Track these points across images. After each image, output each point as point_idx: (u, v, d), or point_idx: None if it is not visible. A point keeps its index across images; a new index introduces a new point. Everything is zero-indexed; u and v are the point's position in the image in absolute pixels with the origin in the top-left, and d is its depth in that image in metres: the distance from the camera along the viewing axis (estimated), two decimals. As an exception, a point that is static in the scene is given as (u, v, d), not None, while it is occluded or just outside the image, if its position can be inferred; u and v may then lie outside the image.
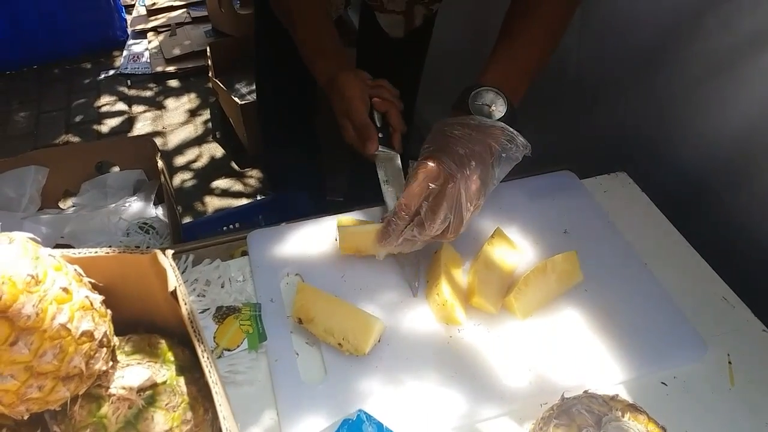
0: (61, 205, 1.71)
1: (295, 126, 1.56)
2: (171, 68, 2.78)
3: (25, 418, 0.48)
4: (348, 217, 0.92)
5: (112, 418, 0.51)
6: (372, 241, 0.82)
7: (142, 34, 3.03)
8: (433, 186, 0.76)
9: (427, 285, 0.84)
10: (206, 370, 0.45)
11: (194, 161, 2.38)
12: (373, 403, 0.70)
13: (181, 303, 0.49)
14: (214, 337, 0.75)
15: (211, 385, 0.44)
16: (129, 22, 3.09)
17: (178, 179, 2.30)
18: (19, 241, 0.46)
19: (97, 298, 0.51)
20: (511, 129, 0.80)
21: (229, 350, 0.74)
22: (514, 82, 0.85)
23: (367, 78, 0.93)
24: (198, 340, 0.48)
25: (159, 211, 1.52)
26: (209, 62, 2.42)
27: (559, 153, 1.16)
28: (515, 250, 0.88)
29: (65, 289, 0.47)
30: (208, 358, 0.47)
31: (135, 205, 1.50)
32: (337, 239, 0.87)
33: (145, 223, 1.44)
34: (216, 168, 2.35)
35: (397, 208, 0.77)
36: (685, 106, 1.06)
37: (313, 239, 0.89)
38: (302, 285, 0.81)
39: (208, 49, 2.45)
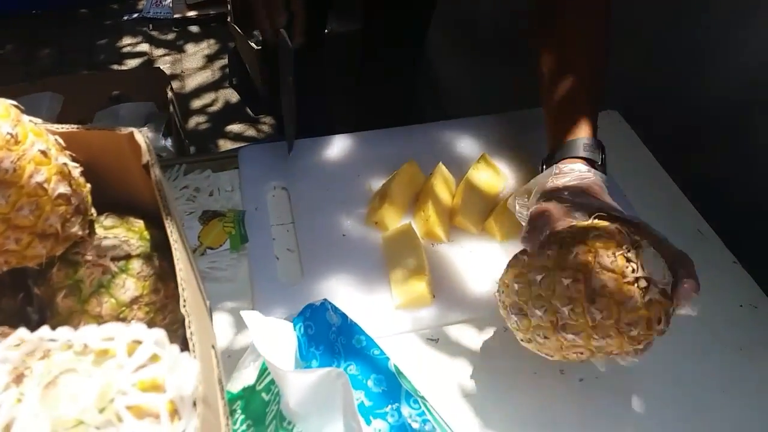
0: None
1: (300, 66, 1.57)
2: (192, 13, 2.80)
3: (5, 269, 0.51)
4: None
5: (86, 281, 0.55)
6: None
7: (166, -21, 3.05)
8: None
9: (417, 202, 0.87)
10: (170, 235, 0.49)
11: (210, 105, 2.42)
12: (344, 304, 0.74)
13: (152, 175, 0.52)
14: (199, 237, 0.79)
15: (173, 244, 0.48)
16: (153, -34, 3.10)
17: (192, 122, 2.34)
18: (1, 104, 0.49)
19: (76, 168, 0.54)
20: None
21: (212, 248, 0.78)
22: (587, 120, 0.78)
23: None
24: (165, 212, 0.51)
25: (168, 143, 1.56)
26: (228, 7, 2.43)
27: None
28: (499, 175, 0.90)
29: (44, 153, 0.50)
30: (172, 223, 0.50)
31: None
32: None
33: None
34: (230, 113, 2.39)
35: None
36: (692, 55, 1.06)
37: (302, 156, 0.92)
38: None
39: (228, -6, 2.46)
